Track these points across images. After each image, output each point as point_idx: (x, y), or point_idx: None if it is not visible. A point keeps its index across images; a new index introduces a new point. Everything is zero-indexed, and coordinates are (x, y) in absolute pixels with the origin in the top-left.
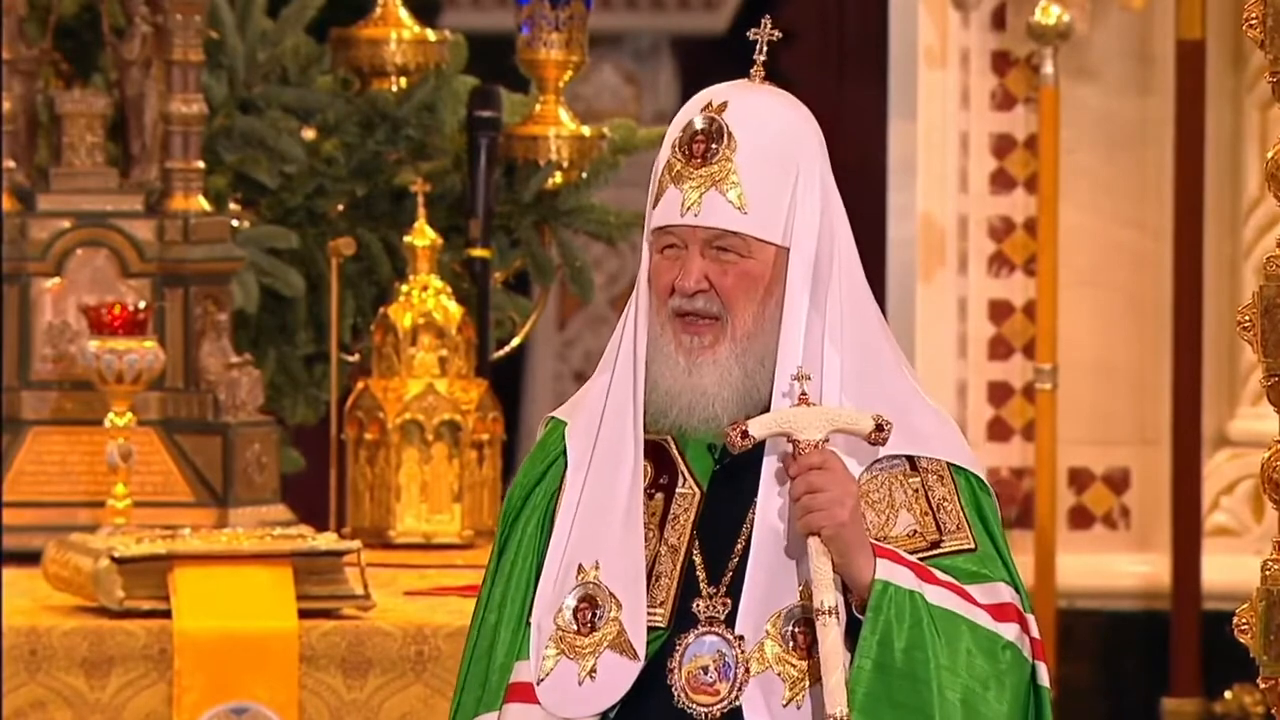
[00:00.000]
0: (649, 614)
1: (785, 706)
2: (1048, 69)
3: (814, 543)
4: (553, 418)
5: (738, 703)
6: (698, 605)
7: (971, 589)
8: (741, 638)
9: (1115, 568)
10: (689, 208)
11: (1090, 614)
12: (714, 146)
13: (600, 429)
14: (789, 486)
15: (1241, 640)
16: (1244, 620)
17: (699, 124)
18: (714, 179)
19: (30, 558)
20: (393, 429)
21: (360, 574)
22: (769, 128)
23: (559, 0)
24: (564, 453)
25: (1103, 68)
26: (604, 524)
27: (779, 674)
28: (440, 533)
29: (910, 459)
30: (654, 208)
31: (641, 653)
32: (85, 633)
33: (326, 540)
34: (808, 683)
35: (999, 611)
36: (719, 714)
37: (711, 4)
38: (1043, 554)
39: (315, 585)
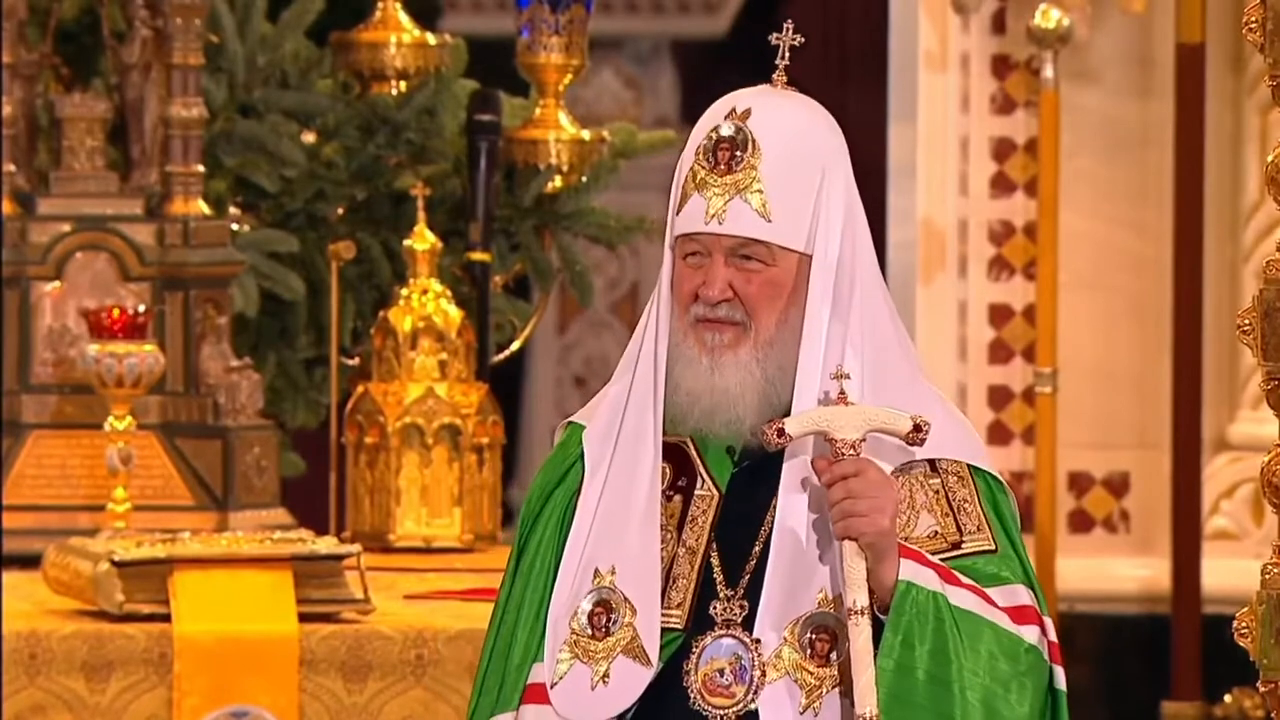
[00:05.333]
0: (666, 615)
1: (803, 713)
2: (1048, 73)
3: (849, 545)
4: (571, 422)
5: (753, 706)
6: (715, 608)
7: (991, 591)
8: (759, 641)
9: (1115, 571)
10: (713, 215)
11: (1090, 618)
12: (738, 154)
13: (620, 432)
14: (818, 490)
15: (1241, 644)
16: (1244, 624)
17: (724, 131)
18: (738, 186)
19: (30, 561)
20: (393, 433)
21: (360, 578)
22: (793, 134)
23: (559, 4)
24: (582, 455)
25: (1103, 71)
26: (621, 527)
27: (796, 680)
28: (440, 536)
29: (930, 461)
30: (677, 214)
31: (654, 659)
32: (85, 636)
33: (326, 544)
34: (824, 690)
35: (1018, 614)
36: (734, 716)
37: (712, 7)
38: (1043, 558)
39: (315, 589)
